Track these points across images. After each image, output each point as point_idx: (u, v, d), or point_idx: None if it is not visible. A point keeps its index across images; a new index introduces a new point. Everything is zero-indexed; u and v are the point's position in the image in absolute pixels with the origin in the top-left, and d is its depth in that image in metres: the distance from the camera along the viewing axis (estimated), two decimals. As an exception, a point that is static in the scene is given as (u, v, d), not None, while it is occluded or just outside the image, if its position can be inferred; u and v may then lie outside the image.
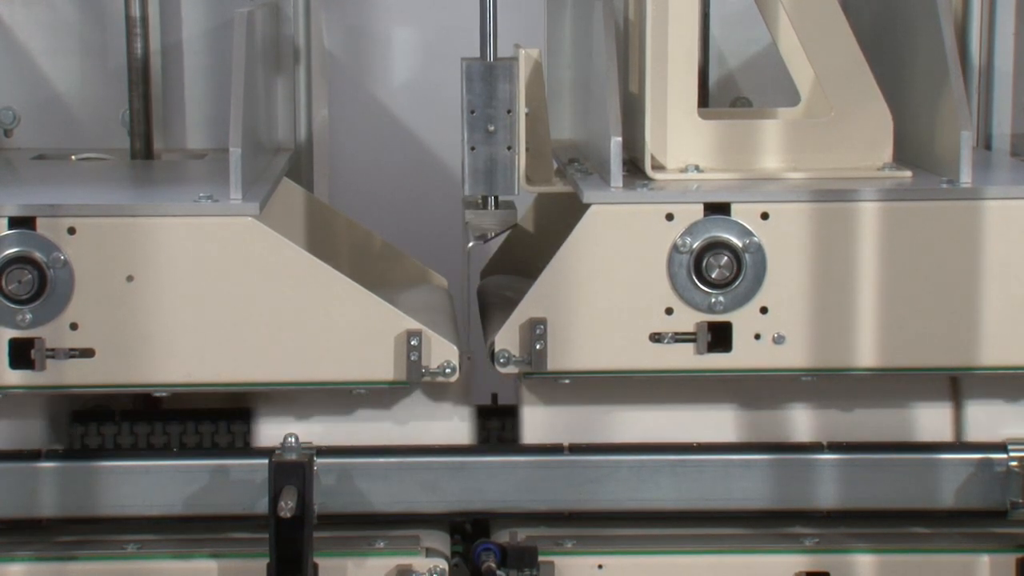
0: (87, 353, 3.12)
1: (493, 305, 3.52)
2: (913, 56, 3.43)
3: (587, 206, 3.15)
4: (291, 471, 3.11)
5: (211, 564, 3.20)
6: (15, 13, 4.03)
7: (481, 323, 3.57)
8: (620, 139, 3.17)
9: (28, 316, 3.10)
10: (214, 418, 3.40)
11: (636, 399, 3.33)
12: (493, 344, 3.18)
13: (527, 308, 3.17)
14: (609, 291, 3.16)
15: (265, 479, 3.13)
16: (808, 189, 3.18)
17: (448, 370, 3.18)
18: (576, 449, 3.29)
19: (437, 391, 3.30)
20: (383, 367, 3.17)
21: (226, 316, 3.13)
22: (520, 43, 3.37)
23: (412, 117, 4.48)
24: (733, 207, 3.15)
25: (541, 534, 3.29)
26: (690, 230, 3.15)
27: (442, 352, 3.19)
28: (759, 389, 3.34)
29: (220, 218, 3.12)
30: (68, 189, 3.48)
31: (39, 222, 3.10)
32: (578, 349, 3.17)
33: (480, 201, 3.32)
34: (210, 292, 3.12)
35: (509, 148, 3.28)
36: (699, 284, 3.16)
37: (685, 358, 3.18)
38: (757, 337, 3.17)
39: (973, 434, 3.33)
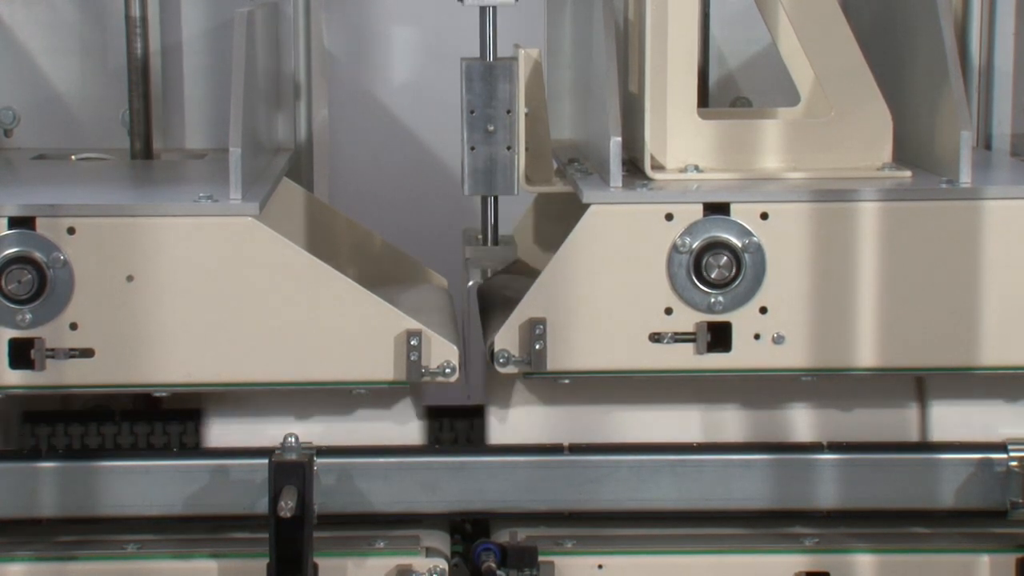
0: (87, 353, 3.12)
1: (493, 305, 3.52)
2: (913, 56, 3.43)
3: (587, 206, 3.15)
4: (291, 471, 3.11)
5: (211, 564, 3.20)
6: (15, 13, 4.03)
7: (481, 323, 3.57)
8: (620, 139, 3.17)
9: (28, 316, 3.10)
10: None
11: (636, 399, 3.33)
12: (493, 344, 3.18)
13: (527, 308, 3.17)
14: (609, 291, 3.16)
15: (265, 479, 3.13)
16: (808, 189, 3.18)
17: (448, 370, 3.18)
18: (576, 449, 3.29)
19: (386, 394, 3.29)
20: (383, 367, 3.17)
21: (226, 316, 3.13)
22: (520, 43, 3.37)
23: (412, 117, 4.48)
24: (733, 207, 3.15)
25: (541, 534, 3.29)
26: (690, 230, 3.15)
27: (442, 352, 3.18)
28: (759, 389, 3.34)
29: (220, 218, 3.12)
30: (68, 189, 3.48)
31: (39, 222, 3.10)
32: (578, 349, 3.17)
33: (480, 238, 3.32)
34: (210, 292, 3.12)
35: (509, 148, 3.28)
36: (699, 284, 3.16)
37: (685, 358, 3.18)
38: (757, 337, 3.18)
39: (938, 434, 3.33)
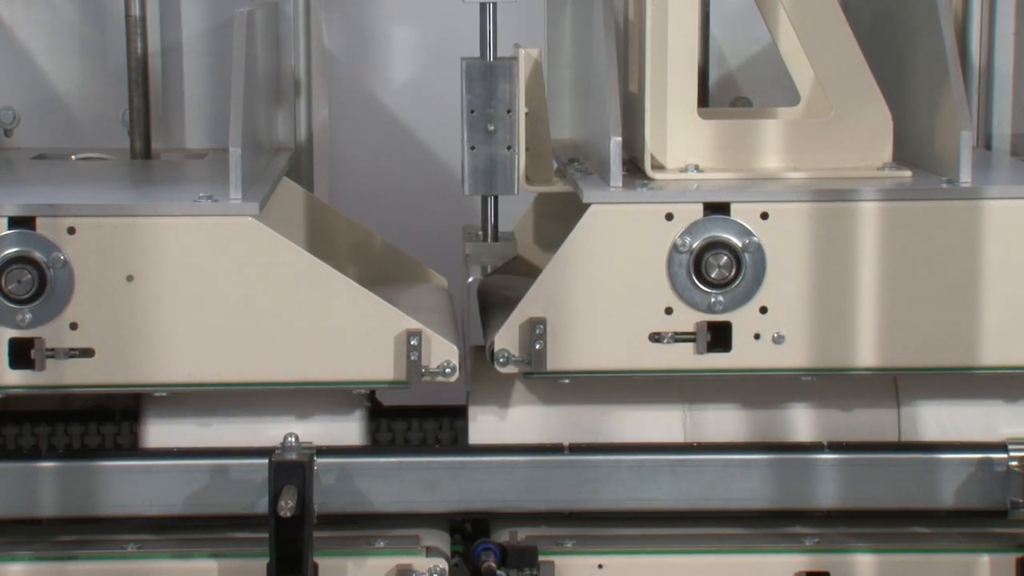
0: (87, 353, 3.12)
1: (493, 305, 3.52)
2: (913, 56, 3.43)
3: (587, 206, 3.15)
4: (291, 471, 3.11)
5: (211, 564, 3.20)
6: (15, 13, 4.03)
7: (481, 323, 3.57)
8: (620, 139, 3.17)
9: (28, 316, 3.10)
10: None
11: (636, 399, 3.33)
12: (493, 344, 3.18)
13: (527, 308, 3.17)
14: (609, 291, 3.16)
15: (265, 479, 3.13)
16: (808, 189, 3.18)
17: (448, 370, 3.18)
18: (576, 449, 3.29)
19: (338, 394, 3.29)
20: (383, 367, 3.17)
21: (226, 316, 3.13)
22: (520, 43, 3.37)
23: (412, 117, 4.48)
24: (733, 207, 3.15)
25: (541, 534, 3.29)
26: (690, 230, 3.15)
27: (442, 352, 3.18)
28: (759, 389, 3.34)
29: (220, 218, 3.12)
30: (68, 189, 3.48)
31: (39, 222, 3.10)
32: (578, 349, 3.17)
33: (480, 235, 3.32)
34: (210, 292, 3.12)
35: (509, 148, 3.28)
36: (699, 284, 3.16)
37: (685, 358, 3.18)
38: (757, 337, 3.18)
39: (936, 434, 3.33)
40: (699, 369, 3.19)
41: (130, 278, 3.11)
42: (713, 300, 3.16)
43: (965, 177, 3.20)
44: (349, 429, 3.30)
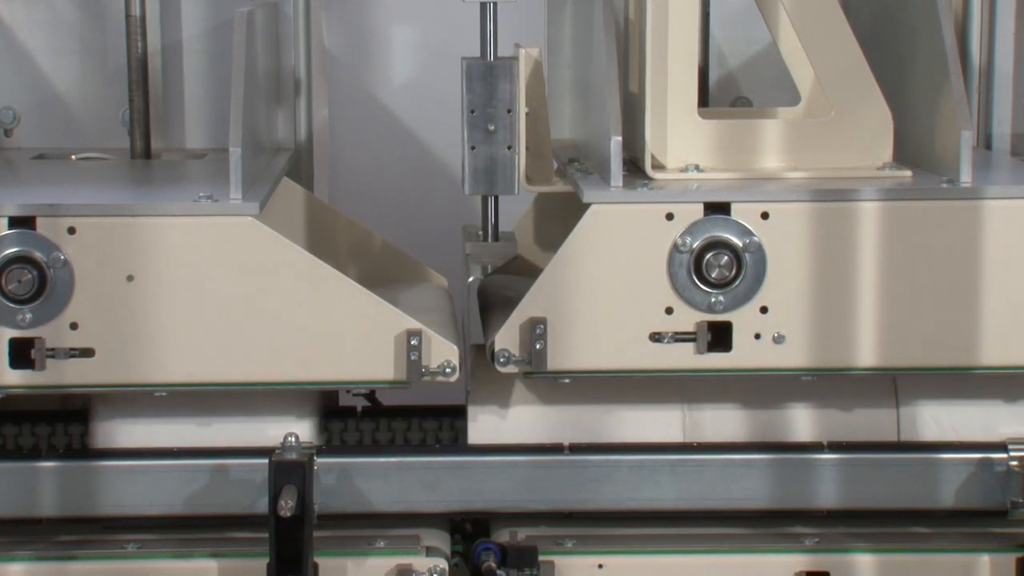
0: (87, 353, 3.12)
1: (493, 305, 3.52)
2: (913, 56, 3.43)
3: (587, 206, 3.15)
4: (291, 470, 3.11)
5: (211, 564, 3.20)
6: (15, 13, 4.03)
7: (481, 323, 3.57)
8: (620, 139, 3.17)
9: (28, 316, 3.10)
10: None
11: (635, 399, 3.33)
12: (493, 344, 3.18)
13: (527, 308, 3.17)
14: (609, 291, 3.16)
15: (265, 479, 3.13)
16: (808, 189, 3.18)
17: (448, 370, 3.18)
18: (576, 449, 3.29)
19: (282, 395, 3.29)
20: (383, 367, 3.17)
21: (226, 316, 3.13)
22: (520, 43, 3.37)
23: (412, 117, 4.48)
24: (733, 207, 3.15)
25: (541, 534, 3.29)
26: (690, 230, 3.15)
27: (442, 352, 3.18)
28: (759, 389, 3.34)
29: (220, 218, 3.12)
30: (68, 189, 3.48)
31: (39, 222, 3.10)
32: (578, 349, 3.17)
33: (480, 235, 3.32)
34: (210, 292, 3.12)
35: (509, 148, 3.28)
36: (699, 284, 3.16)
37: (685, 358, 3.18)
38: (757, 337, 3.17)
39: (935, 434, 3.33)
40: (699, 369, 3.19)
41: (130, 278, 3.11)
42: (713, 300, 3.16)
43: (965, 177, 3.20)
44: (300, 429, 3.29)
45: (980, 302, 3.17)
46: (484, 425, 3.33)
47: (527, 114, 3.33)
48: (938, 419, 3.34)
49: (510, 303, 3.22)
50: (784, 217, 3.15)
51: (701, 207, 3.15)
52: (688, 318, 3.17)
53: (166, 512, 3.24)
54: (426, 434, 3.49)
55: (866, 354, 3.18)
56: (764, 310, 3.17)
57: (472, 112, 3.26)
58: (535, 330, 3.15)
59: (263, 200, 3.18)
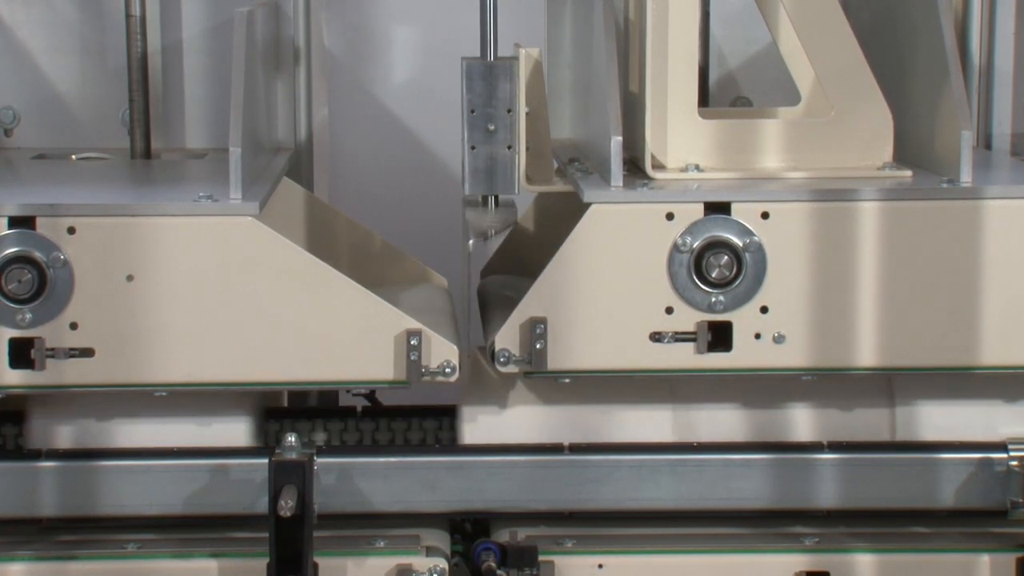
0: (87, 353, 3.12)
1: (493, 305, 3.52)
2: (913, 56, 3.43)
3: (587, 205, 3.15)
4: (291, 470, 3.11)
5: (211, 564, 3.20)
6: (15, 13, 4.03)
7: (481, 323, 3.57)
8: (620, 138, 3.17)
9: (28, 316, 3.10)
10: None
11: (635, 399, 3.33)
12: (493, 344, 3.18)
13: (527, 308, 3.17)
14: (609, 291, 3.16)
15: (265, 479, 3.13)
16: (808, 189, 3.18)
17: (448, 370, 3.18)
18: (576, 449, 3.29)
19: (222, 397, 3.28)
20: (383, 367, 3.17)
21: (226, 316, 3.13)
22: (520, 43, 3.37)
23: (412, 117, 4.48)
24: (733, 207, 3.15)
25: (541, 534, 3.29)
26: (690, 229, 3.15)
27: (442, 352, 3.18)
28: (759, 389, 3.34)
29: (220, 218, 3.12)
30: (68, 189, 3.48)
31: (39, 222, 3.10)
32: (578, 349, 3.17)
33: (480, 200, 3.32)
34: (210, 292, 3.12)
35: (509, 147, 3.28)
36: (699, 284, 3.16)
37: (685, 358, 3.18)
38: (757, 337, 3.17)
39: (935, 434, 3.33)
40: (699, 369, 3.19)
41: (130, 278, 3.11)
42: (714, 300, 3.16)
43: (965, 177, 3.20)
44: (236, 430, 3.29)
45: (980, 302, 3.17)
46: (478, 426, 3.32)
47: (527, 114, 3.33)
48: (939, 419, 3.34)
49: (510, 303, 3.22)
50: (784, 217, 3.15)
51: (701, 207, 3.15)
52: (688, 318, 3.17)
53: (166, 512, 3.24)
54: (426, 434, 3.49)
55: (866, 354, 3.18)
56: (764, 310, 3.17)
57: (472, 112, 3.26)
58: (535, 330, 3.15)
59: (263, 200, 3.18)
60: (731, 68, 4.13)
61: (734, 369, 3.18)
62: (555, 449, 3.29)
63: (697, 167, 3.30)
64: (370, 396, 3.60)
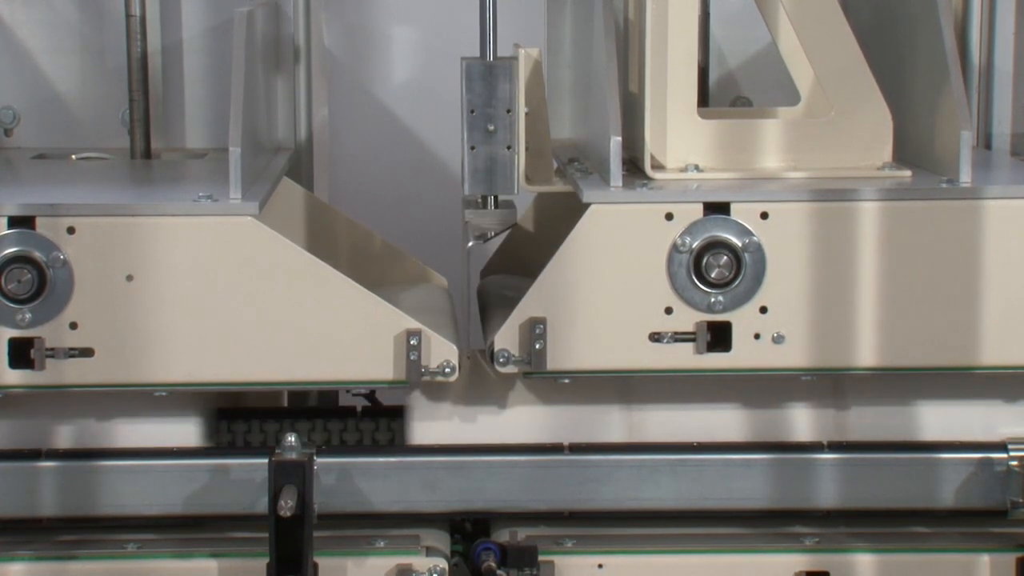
0: (87, 353, 3.12)
1: (493, 305, 3.52)
2: (913, 56, 3.43)
3: (587, 206, 3.15)
4: (291, 470, 3.11)
5: (211, 564, 3.20)
6: (15, 13, 4.03)
7: (481, 323, 3.57)
8: (620, 139, 3.17)
9: (28, 316, 3.10)
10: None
11: (635, 399, 3.33)
12: (493, 344, 3.18)
13: (527, 308, 3.17)
14: (609, 291, 3.16)
15: (265, 478, 3.13)
16: (808, 189, 3.18)
17: (448, 370, 3.18)
18: (576, 449, 3.29)
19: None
20: (383, 367, 3.17)
21: (226, 316, 3.13)
22: (520, 43, 3.37)
23: (412, 117, 4.48)
24: (733, 207, 3.15)
25: (541, 533, 3.29)
26: (690, 230, 3.15)
27: (442, 352, 3.18)
28: (759, 389, 3.34)
29: (220, 218, 3.12)
30: (68, 189, 3.48)
31: (39, 221, 3.10)
32: (578, 349, 3.17)
33: (480, 200, 3.32)
34: (210, 292, 3.12)
35: (509, 148, 3.28)
36: (699, 284, 3.16)
37: (685, 358, 3.18)
38: (757, 337, 3.17)
39: (937, 434, 3.33)
40: (699, 369, 3.19)
41: (130, 278, 3.11)
42: (713, 300, 3.16)
43: (965, 177, 3.20)
44: (186, 431, 3.29)
45: (980, 302, 3.17)
46: (421, 427, 3.32)
47: (527, 114, 3.33)
48: (939, 419, 3.34)
49: (510, 303, 3.22)
50: (784, 217, 3.15)
51: (701, 207, 3.15)
52: (688, 318, 3.17)
53: (166, 512, 3.24)
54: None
55: (866, 354, 3.18)
56: (764, 310, 3.17)
57: (472, 112, 3.26)
58: (535, 330, 3.15)
59: (263, 200, 3.18)
60: (731, 68, 4.13)
61: (733, 369, 3.18)
62: (555, 449, 3.29)
63: (697, 167, 3.30)
64: (370, 396, 3.60)
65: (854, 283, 3.16)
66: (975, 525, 3.32)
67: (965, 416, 3.35)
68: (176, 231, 3.11)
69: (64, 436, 3.28)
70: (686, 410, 3.34)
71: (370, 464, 3.26)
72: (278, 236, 3.13)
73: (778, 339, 3.17)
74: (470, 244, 3.34)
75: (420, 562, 3.21)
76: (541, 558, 3.21)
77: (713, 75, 4.08)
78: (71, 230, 3.10)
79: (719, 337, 3.18)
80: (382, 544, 3.24)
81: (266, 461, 3.13)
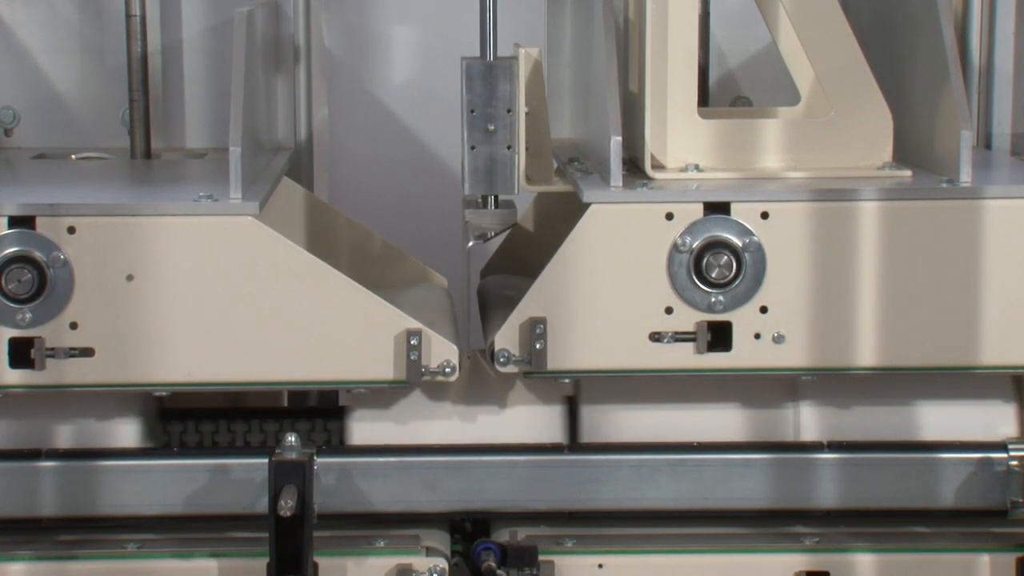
0: (87, 353, 3.12)
1: (493, 305, 3.52)
2: (913, 56, 3.43)
3: (587, 205, 3.15)
4: (291, 470, 3.11)
5: (211, 564, 3.20)
6: (15, 13, 4.03)
7: (481, 323, 3.57)
8: (620, 138, 3.17)
9: (28, 315, 3.10)
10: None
11: (636, 399, 3.34)
12: (493, 344, 3.18)
13: (527, 308, 3.17)
14: (609, 291, 3.16)
15: (265, 478, 3.13)
16: (808, 188, 3.18)
17: (448, 370, 3.18)
18: (576, 449, 3.29)
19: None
20: (383, 367, 3.17)
21: (226, 316, 3.13)
22: (520, 43, 3.37)
23: (412, 117, 4.48)
24: (733, 206, 3.15)
25: (541, 533, 3.29)
26: (690, 229, 3.15)
27: (442, 352, 3.19)
28: (759, 389, 3.34)
29: (220, 217, 3.12)
30: (68, 188, 3.48)
31: (39, 221, 3.10)
32: (578, 349, 3.17)
33: (480, 200, 3.32)
34: (210, 292, 3.12)
35: (509, 147, 3.28)
36: (699, 283, 3.16)
37: (685, 358, 3.18)
38: (757, 336, 3.18)
39: (936, 434, 3.32)
40: (699, 369, 3.19)
41: (130, 278, 3.11)
42: (713, 300, 3.16)
43: (965, 177, 3.20)
44: (127, 431, 3.28)
45: (980, 302, 3.17)
46: (363, 428, 3.31)
47: (527, 114, 3.33)
48: (939, 419, 3.34)
49: (510, 303, 3.22)
50: (784, 217, 3.15)
51: (701, 207, 3.15)
52: (688, 318, 3.17)
53: (166, 512, 3.24)
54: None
55: (866, 354, 3.18)
56: (764, 310, 3.17)
57: (472, 112, 3.26)
58: (535, 330, 3.15)
59: (263, 200, 3.18)
60: (731, 68, 4.14)
61: (734, 369, 3.18)
62: (555, 449, 3.29)
63: (697, 167, 3.30)
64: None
65: (854, 283, 3.16)
66: (975, 525, 3.32)
67: (965, 416, 3.35)
68: (176, 231, 3.11)
69: (64, 436, 3.28)
70: (686, 410, 3.34)
71: (370, 464, 3.26)
72: (278, 236, 3.13)
73: (778, 339, 3.17)
74: (470, 244, 3.34)
75: (420, 562, 3.21)
76: (541, 558, 3.21)
77: (713, 75, 4.08)
78: (71, 230, 3.10)
79: (719, 337, 3.18)
80: (382, 544, 3.24)
81: (266, 461, 3.13)
